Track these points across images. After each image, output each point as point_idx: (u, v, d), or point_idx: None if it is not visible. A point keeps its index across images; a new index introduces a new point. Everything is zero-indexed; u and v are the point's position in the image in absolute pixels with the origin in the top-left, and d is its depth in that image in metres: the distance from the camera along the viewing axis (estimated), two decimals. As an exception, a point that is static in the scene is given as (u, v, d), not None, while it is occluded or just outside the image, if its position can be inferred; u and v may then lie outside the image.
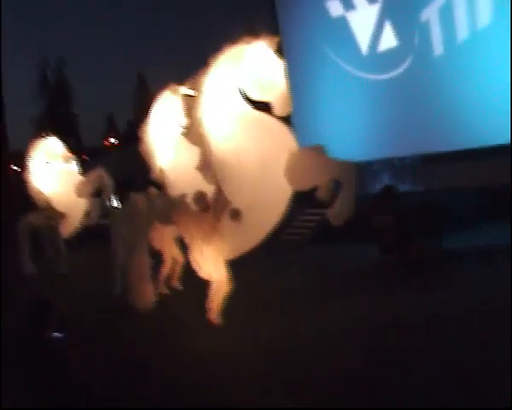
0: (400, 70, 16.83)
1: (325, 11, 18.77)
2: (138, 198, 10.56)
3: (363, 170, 18.21)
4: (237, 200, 8.43)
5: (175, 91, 10.62)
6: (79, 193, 15.12)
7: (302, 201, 18.11)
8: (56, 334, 4.50)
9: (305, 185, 8.73)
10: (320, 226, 16.07)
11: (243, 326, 8.22)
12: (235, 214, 8.39)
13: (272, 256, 11.78)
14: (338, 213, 8.42)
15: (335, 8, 18.45)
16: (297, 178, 8.47)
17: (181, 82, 10.41)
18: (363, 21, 17.69)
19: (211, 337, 7.95)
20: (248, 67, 8.50)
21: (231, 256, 8.59)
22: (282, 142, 8.72)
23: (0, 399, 4.42)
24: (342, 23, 18.34)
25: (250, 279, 9.65)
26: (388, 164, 17.84)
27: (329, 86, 19.09)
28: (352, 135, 18.10)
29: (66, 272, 14.09)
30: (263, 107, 8.79)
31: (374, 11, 17.26)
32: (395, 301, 8.70)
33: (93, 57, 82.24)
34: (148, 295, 9.54)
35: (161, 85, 11.03)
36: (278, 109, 8.59)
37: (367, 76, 17.90)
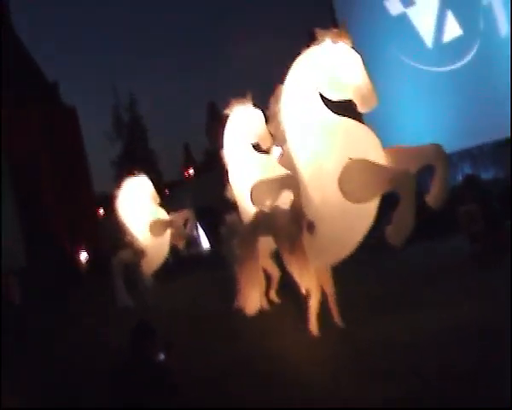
0: (468, 58, 16.60)
1: (384, 11, 18.78)
2: (233, 218, 10.86)
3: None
4: (310, 211, 8.29)
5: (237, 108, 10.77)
6: (156, 233, 14.96)
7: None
8: (161, 356, 4.73)
9: (357, 199, 7.75)
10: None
11: (332, 331, 8.19)
12: (310, 227, 8.24)
13: (358, 259, 11.60)
14: (396, 230, 7.43)
15: (394, 7, 18.43)
16: (348, 190, 7.58)
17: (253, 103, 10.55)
18: (424, 15, 17.59)
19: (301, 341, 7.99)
20: (321, 67, 8.10)
21: (316, 268, 8.52)
22: (364, 149, 8.06)
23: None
24: (403, 20, 18.28)
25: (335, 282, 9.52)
26: (467, 154, 17.49)
27: (398, 84, 18.96)
28: (426, 129, 17.89)
29: (155, 304, 14.35)
30: (347, 108, 8.14)
31: (434, 2, 17.13)
32: (491, 292, 8.41)
33: (162, 90, 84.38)
34: (253, 302, 9.80)
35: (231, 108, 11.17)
36: (360, 106, 7.73)
37: (435, 69, 17.73)
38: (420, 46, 17.98)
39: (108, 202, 16.72)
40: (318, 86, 8.10)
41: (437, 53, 17.58)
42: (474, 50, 16.36)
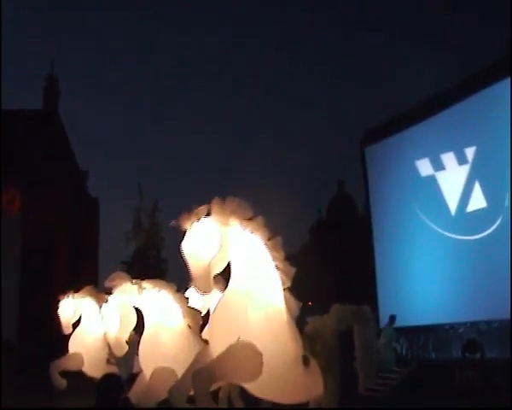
0: (489, 231, 16.70)
1: (414, 170, 19.27)
2: None
3: (448, 332, 17.87)
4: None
5: None
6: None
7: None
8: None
9: None
10: (400, 384, 15.57)
11: None
12: None
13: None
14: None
15: (425, 168, 18.93)
16: None
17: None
18: (452, 182, 17.99)
19: None
20: None
21: None
22: None
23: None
24: (431, 183, 18.69)
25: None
26: (474, 327, 17.18)
27: (417, 245, 19.15)
28: (438, 295, 17.84)
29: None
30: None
31: (464, 172, 17.55)
32: None
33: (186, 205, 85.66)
34: None
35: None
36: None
37: (455, 236, 17.87)
38: (442, 211, 18.30)
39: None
40: None
41: (458, 221, 17.80)
42: (496, 225, 16.48)
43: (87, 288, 15.93)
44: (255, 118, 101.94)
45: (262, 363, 7.12)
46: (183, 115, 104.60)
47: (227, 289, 7.78)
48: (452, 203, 18.00)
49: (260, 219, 7.54)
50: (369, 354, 8.27)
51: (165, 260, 39.62)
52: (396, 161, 20.28)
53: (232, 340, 7.20)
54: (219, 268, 7.55)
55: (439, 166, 18.53)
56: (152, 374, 10.04)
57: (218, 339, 7.60)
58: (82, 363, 14.80)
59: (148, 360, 10.26)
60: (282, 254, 7.54)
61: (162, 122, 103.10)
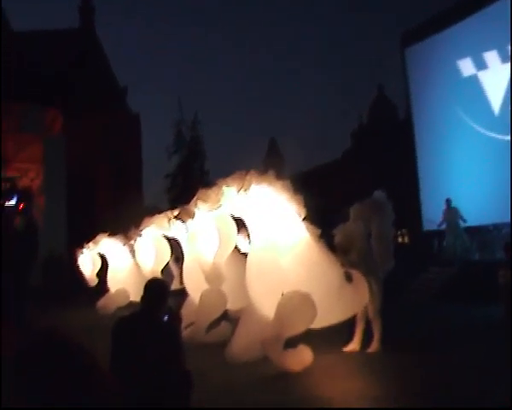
0: (533, 130, 16.37)
1: (456, 70, 18.81)
2: None
3: (491, 233, 17.83)
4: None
5: None
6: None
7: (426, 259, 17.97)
8: (165, 317, 4.97)
9: None
10: (444, 284, 15.82)
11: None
12: None
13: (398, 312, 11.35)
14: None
15: (467, 68, 18.44)
16: None
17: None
18: (495, 80, 17.52)
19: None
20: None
21: None
22: None
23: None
24: (473, 82, 18.26)
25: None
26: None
27: (460, 146, 18.90)
28: (482, 197, 17.69)
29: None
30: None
31: (507, 70, 17.04)
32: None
33: (227, 118, 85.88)
34: None
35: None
36: None
37: (498, 136, 17.56)
38: (485, 110, 17.91)
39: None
40: None
41: (502, 120, 17.38)
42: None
43: (99, 236, 16.78)
44: (296, 24, 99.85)
45: (314, 304, 7.29)
46: (223, 27, 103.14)
47: (251, 249, 7.98)
48: (495, 102, 17.59)
49: (253, 172, 7.68)
50: (384, 241, 8.47)
51: (208, 171, 39.97)
52: (437, 61, 19.74)
53: (275, 297, 7.41)
54: (225, 257, 7.83)
55: (481, 64, 18.01)
56: (200, 297, 10.17)
57: (261, 300, 7.85)
58: (128, 296, 15.44)
59: (194, 284, 10.48)
60: (289, 192, 7.68)
61: (201, 34, 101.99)
